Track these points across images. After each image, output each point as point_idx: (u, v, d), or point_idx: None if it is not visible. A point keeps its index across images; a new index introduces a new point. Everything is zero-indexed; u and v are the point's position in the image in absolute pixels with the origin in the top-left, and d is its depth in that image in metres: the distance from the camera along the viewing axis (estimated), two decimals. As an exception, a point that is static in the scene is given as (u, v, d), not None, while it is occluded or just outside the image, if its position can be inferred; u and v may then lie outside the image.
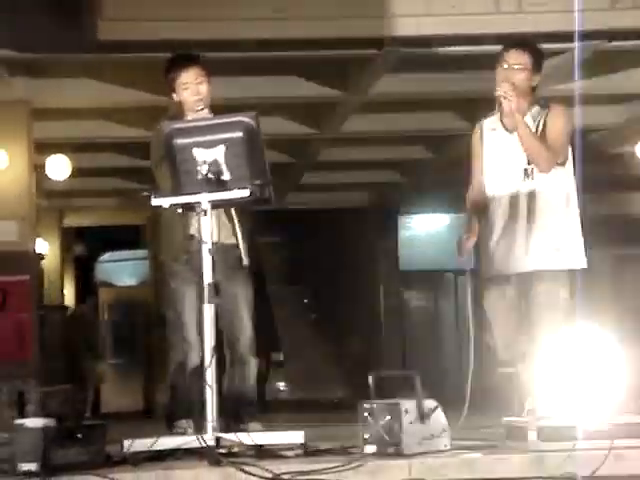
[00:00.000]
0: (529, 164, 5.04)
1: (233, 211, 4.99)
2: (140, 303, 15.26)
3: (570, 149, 5.16)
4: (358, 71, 9.09)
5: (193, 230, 4.83)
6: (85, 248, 16.21)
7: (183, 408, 4.87)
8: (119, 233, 15.32)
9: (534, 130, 5.03)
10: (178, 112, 5.08)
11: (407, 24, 7.97)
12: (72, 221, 14.78)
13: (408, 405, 4.19)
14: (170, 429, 4.87)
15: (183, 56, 5.17)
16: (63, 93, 9.26)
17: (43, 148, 10.34)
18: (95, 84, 9.22)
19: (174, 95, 5.08)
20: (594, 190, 12.89)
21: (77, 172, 11.13)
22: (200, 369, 4.54)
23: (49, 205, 13.01)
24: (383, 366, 13.60)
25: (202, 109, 4.94)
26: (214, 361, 4.20)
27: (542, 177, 5.02)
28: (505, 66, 5.04)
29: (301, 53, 8.36)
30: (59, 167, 10.88)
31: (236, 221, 5.01)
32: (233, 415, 4.93)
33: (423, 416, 4.20)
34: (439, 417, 4.29)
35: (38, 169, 10.48)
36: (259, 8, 7.86)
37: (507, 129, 5.12)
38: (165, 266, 5.04)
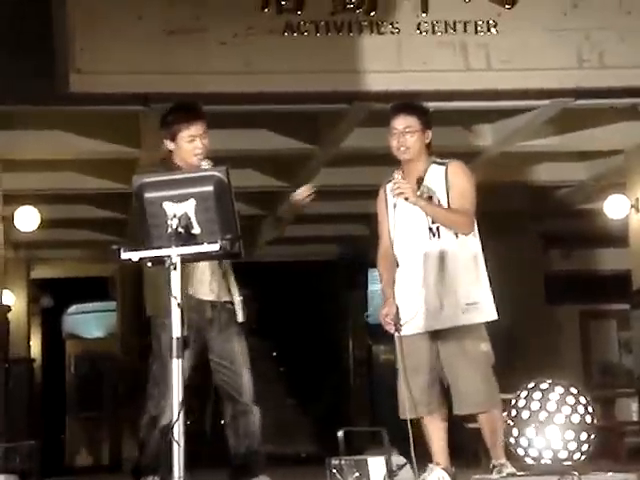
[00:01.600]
0: (434, 222, 5.09)
1: (228, 267, 5.00)
2: (107, 355, 15.13)
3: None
4: (329, 125, 9.15)
5: (190, 290, 4.93)
6: (52, 300, 16.09)
7: (152, 463, 4.82)
8: (87, 285, 15.23)
9: (440, 191, 5.10)
10: (169, 162, 5.09)
11: (378, 79, 8.04)
12: (40, 272, 14.68)
13: (376, 462, 4.17)
14: None
15: (189, 108, 5.21)
16: (32, 144, 9.25)
17: (11, 199, 10.30)
18: (65, 135, 9.21)
19: (169, 143, 5.12)
20: (560, 246, 13.05)
21: (46, 223, 11.08)
22: (169, 426, 4.55)
23: (16, 256, 12.92)
24: (352, 420, 13.53)
25: (206, 164, 4.97)
26: (182, 416, 4.16)
27: (448, 235, 5.08)
28: (395, 132, 5.19)
29: (271, 107, 8.41)
30: (28, 218, 10.83)
31: (231, 277, 5.03)
32: (242, 468, 4.92)
33: (391, 473, 4.18)
34: (407, 474, 4.27)
35: (6, 220, 10.42)
36: (229, 62, 7.91)
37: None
38: (156, 320, 5.00)
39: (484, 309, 5.04)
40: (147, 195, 4.26)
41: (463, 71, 7.97)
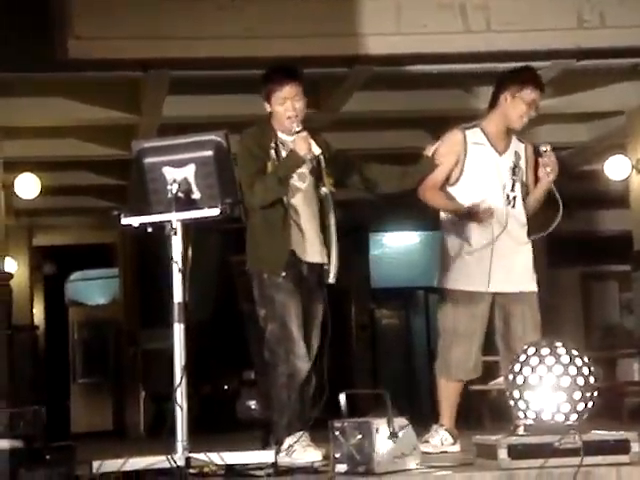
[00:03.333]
0: (512, 190, 5.11)
1: (333, 228, 5.03)
2: (111, 322, 15.18)
3: None
4: (329, 89, 9.12)
5: (300, 252, 4.96)
6: (55, 267, 16.12)
7: (300, 419, 4.84)
8: (89, 252, 15.25)
9: (523, 167, 5.18)
10: (267, 124, 5.06)
11: (378, 42, 8.00)
12: (41, 240, 14.69)
13: (379, 424, 4.20)
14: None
15: (282, 69, 5.12)
16: (32, 111, 9.23)
17: (12, 167, 10.29)
18: (65, 102, 9.19)
19: (267, 106, 5.07)
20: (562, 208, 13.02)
21: (46, 190, 11.08)
22: (309, 378, 4.77)
23: (18, 224, 12.93)
24: (354, 384, 13.58)
25: (300, 128, 4.90)
26: (184, 380, 4.18)
27: (520, 206, 5.16)
28: (529, 101, 5.14)
29: (271, 71, 8.37)
30: (28, 186, 10.82)
31: (332, 238, 5.06)
32: (269, 429, 4.98)
33: (394, 435, 4.20)
34: (410, 435, 4.30)
35: (7, 188, 10.42)
36: (229, 26, 7.87)
37: (497, 150, 5.18)
38: (268, 279, 4.96)
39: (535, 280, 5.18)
40: (147, 160, 4.26)
41: (463, 33, 7.93)
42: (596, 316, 13.76)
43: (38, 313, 15.22)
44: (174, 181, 4.20)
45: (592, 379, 4.37)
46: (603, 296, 13.92)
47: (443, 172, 5.21)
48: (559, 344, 4.40)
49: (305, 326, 5.02)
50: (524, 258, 5.15)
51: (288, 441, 4.80)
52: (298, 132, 4.89)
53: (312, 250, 5.05)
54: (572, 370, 4.34)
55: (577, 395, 4.33)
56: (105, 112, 9.32)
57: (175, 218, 4.22)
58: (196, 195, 4.22)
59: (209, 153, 4.21)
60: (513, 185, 5.15)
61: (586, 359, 4.39)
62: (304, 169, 5.01)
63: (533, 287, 5.14)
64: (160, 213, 4.24)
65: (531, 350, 4.40)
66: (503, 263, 5.06)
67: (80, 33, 7.73)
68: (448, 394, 5.17)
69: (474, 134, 5.22)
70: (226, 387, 13.04)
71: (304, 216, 5.00)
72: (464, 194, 5.16)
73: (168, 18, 7.82)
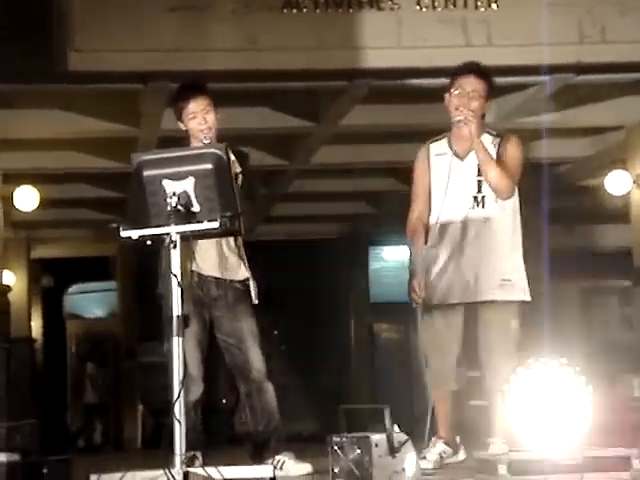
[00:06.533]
0: (479, 192, 5.00)
1: (240, 244, 4.97)
2: (109, 335, 15.14)
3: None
4: (329, 102, 9.11)
5: (194, 266, 4.93)
6: (53, 280, 16.08)
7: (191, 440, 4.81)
8: (87, 265, 15.22)
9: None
10: (186, 142, 5.07)
11: (378, 56, 8.00)
12: (40, 252, 14.66)
13: (378, 439, 4.17)
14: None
15: (190, 85, 5.18)
16: (31, 124, 9.22)
17: (11, 179, 10.27)
18: (64, 114, 9.18)
19: (181, 125, 5.09)
20: (562, 222, 13.01)
21: (45, 203, 11.06)
22: (200, 401, 4.71)
23: (16, 236, 12.91)
24: (353, 398, 13.55)
25: (210, 140, 4.93)
26: (182, 394, 4.16)
27: (492, 206, 4.98)
28: (457, 91, 4.99)
29: (272, 84, 8.37)
30: (27, 198, 10.81)
31: (244, 257, 5.00)
32: (262, 446, 4.96)
33: (393, 450, 4.17)
34: (409, 451, 4.26)
35: (5, 200, 10.40)
36: (228, 39, 7.87)
37: (458, 155, 5.07)
38: (166, 300, 4.96)
39: (518, 287, 5.00)
40: (146, 173, 4.24)
41: (463, 47, 7.92)
42: (596, 331, 13.73)
43: (36, 326, 15.18)
44: (174, 194, 4.18)
45: (590, 395, 4.34)
46: (603, 311, 13.90)
47: (419, 195, 5.16)
48: (558, 360, 4.37)
49: (236, 343, 4.98)
50: (496, 263, 4.97)
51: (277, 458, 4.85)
52: (207, 144, 4.88)
53: (215, 265, 5.00)
54: (570, 386, 4.32)
55: (576, 411, 4.30)
56: (104, 124, 9.31)
57: (174, 231, 4.20)
58: (195, 208, 4.20)
59: (209, 166, 4.19)
60: (480, 186, 5.02)
61: (584, 375, 4.36)
62: None
63: (502, 295, 4.96)
64: (159, 226, 4.22)
65: (528, 366, 4.38)
66: (470, 272, 4.98)
67: (80, 45, 7.73)
68: (437, 405, 5.15)
69: (439, 145, 5.15)
70: (224, 401, 13.00)
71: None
72: (433, 208, 5.10)
73: (168, 30, 7.81)
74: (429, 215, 5.10)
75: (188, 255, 4.88)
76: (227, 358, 5.08)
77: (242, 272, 5.08)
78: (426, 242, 5.05)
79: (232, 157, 4.97)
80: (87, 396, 14.57)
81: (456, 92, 5.01)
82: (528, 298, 5.05)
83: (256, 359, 5.05)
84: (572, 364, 4.40)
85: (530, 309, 5.12)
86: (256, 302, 5.09)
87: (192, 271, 4.95)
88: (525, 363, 4.46)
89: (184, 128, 5.11)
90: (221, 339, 5.08)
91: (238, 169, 5.00)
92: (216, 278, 5.02)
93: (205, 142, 4.95)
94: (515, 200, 5.07)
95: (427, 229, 5.08)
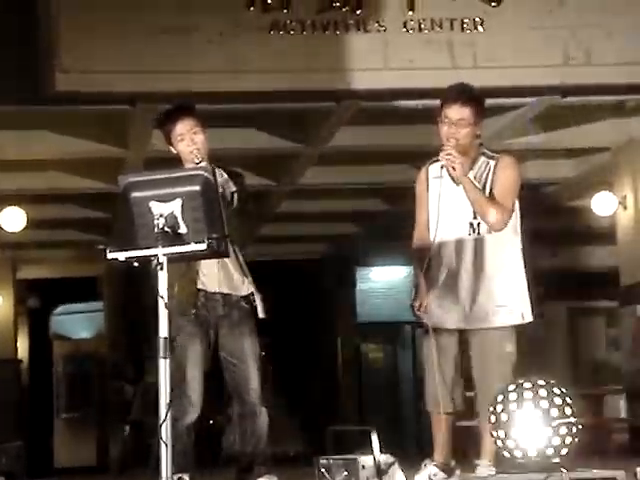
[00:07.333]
0: (475, 218, 4.97)
1: (242, 260, 4.97)
2: (95, 356, 15.09)
3: (517, 201, 5.11)
4: (316, 124, 9.13)
5: (200, 284, 4.91)
6: (39, 300, 16.04)
7: (181, 462, 4.78)
8: (73, 285, 15.18)
9: (482, 185, 4.95)
10: (176, 164, 5.05)
11: (364, 78, 8.04)
12: (26, 273, 14.62)
13: (365, 461, 4.16)
14: None
15: (176, 108, 5.15)
16: (18, 144, 9.21)
17: (-3, 199, 10.26)
18: (51, 135, 9.18)
19: (171, 148, 5.08)
20: (548, 243, 13.05)
21: (32, 223, 11.04)
22: (197, 427, 4.63)
23: (2, 257, 12.88)
24: (340, 419, 13.52)
25: (200, 160, 4.91)
26: (169, 416, 4.14)
27: (488, 232, 4.93)
28: (445, 120, 4.93)
29: (259, 106, 8.39)
30: (13, 219, 10.79)
31: (246, 270, 4.99)
32: (246, 468, 4.94)
33: (380, 472, 4.16)
34: (396, 472, 4.26)
35: (-9, 220, 10.39)
36: (216, 60, 7.89)
37: (454, 180, 5.05)
38: (173, 321, 4.93)
39: (515, 311, 4.95)
40: (133, 195, 4.23)
41: (450, 69, 7.97)
42: (583, 352, 13.75)
43: (22, 347, 15.12)
44: (161, 215, 4.17)
45: (575, 417, 4.34)
46: (590, 332, 13.92)
47: (419, 215, 5.13)
48: (543, 382, 4.37)
49: (237, 363, 4.97)
50: (492, 289, 4.93)
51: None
52: (198, 164, 4.87)
53: (220, 281, 4.99)
54: (555, 408, 4.31)
55: (562, 433, 4.30)
56: (92, 145, 9.31)
57: (162, 253, 4.19)
58: (183, 230, 4.20)
59: (196, 188, 4.19)
60: (475, 212, 5.00)
61: (569, 396, 4.36)
62: None
63: (497, 322, 4.92)
64: (146, 248, 4.21)
65: (514, 388, 4.37)
66: (466, 297, 4.96)
67: (67, 66, 7.73)
68: (434, 427, 5.13)
69: (436, 168, 5.12)
70: (211, 422, 12.96)
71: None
72: (431, 230, 5.06)
73: (156, 52, 7.83)
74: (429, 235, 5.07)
75: (192, 275, 4.87)
76: (226, 376, 5.05)
77: (246, 287, 5.04)
78: (429, 263, 5.03)
79: (225, 176, 5.00)
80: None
81: (445, 121, 4.99)
82: (527, 320, 5.02)
83: (254, 381, 5.02)
84: (558, 385, 4.41)
85: (516, 329, 5.11)
86: (262, 316, 5.05)
87: (199, 290, 4.93)
88: (512, 384, 4.45)
89: (174, 151, 5.09)
90: (223, 357, 5.04)
91: (233, 188, 4.99)
92: (222, 295, 5.00)
93: (196, 160, 4.94)
94: (515, 219, 5.04)
95: (429, 249, 5.05)
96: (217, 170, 4.99)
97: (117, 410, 13.96)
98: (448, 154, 4.88)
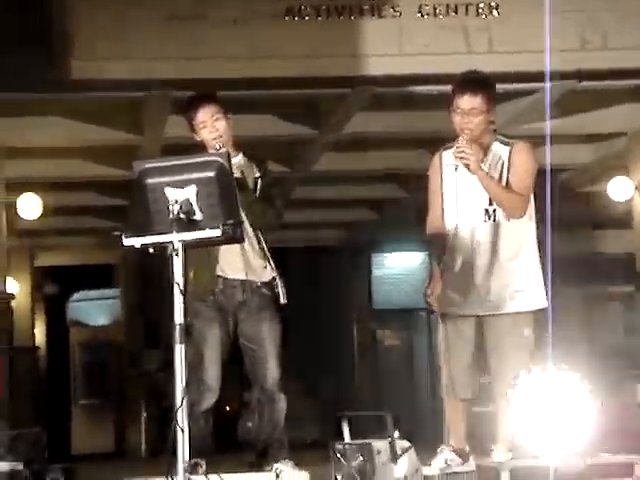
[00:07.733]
0: (490, 204, 4.97)
1: (264, 245, 4.98)
2: (112, 343, 15.14)
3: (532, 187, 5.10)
4: (330, 110, 9.13)
5: (219, 270, 4.91)
6: (56, 287, 16.10)
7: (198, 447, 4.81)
8: (90, 272, 15.24)
9: (498, 172, 4.95)
10: (193, 150, 5.05)
11: (379, 63, 8.02)
12: (43, 260, 14.69)
13: (381, 446, 4.17)
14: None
15: (197, 95, 5.16)
16: (34, 132, 9.24)
17: (14, 187, 10.29)
18: (67, 122, 9.20)
19: (195, 136, 5.08)
20: (563, 228, 13.01)
21: (48, 211, 11.08)
22: (213, 412, 4.65)
23: (20, 244, 12.93)
24: (356, 405, 13.54)
25: (222, 146, 4.91)
26: (185, 402, 4.15)
27: (504, 218, 4.93)
28: (458, 110, 4.93)
29: (274, 92, 8.39)
30: (30, 206, 10.82)
31: (268, 255, 4.99)
32: (262, 453, 4.96)
33: (396, 457, 4.17)
34: (412, 458, 4.27)
35: (9, 208, 10.42)
36: (230, 47, 7.89)
37: (468, 168, 5.04)
38: (189, 306, 4.95)
39: (531, 297, 4.96)
40: (148, 181, 4.24)
41: (465, 54, 7.94)
42: (599, 337, 13.71)
43: (39, 334, 15.20)
44: (176, 202, 4.18)
45: (592, 402, 4.34)
46: (606, 317, 13.88)
47: (433, 202, 5.11)
48: (562, 366, 4.37)
49: (257, 349, 4.97)
50: (507, 275, 4.94)
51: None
52: (218, 150, 4.87)
53: (239, 267, 4.98)
54: (571, 394, 4.31)
55: (578, 418, 4.30)
56: (108, 132, 9.33)
57: (177, 239, 4.20)
58: (198, 216, 4.20)
59: (211, 174, 4.19)
60: (491, 199, 4.95)
61: (587, 381, 4.36)
62: None
63: (514, 307, 4.92)
64: (162, 234, 4.22)
65: (530, 374, 4.37)
66: (482, 284, 4.96)
67: (82, 54, 7.75)
68: (449, 413, 5.13)
69: (449, 155, 5.10)
70: (227, 408, 13.01)
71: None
72: (446, 217, 5.05)
73: (170, 39, 7.84)
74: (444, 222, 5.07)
75: (211, 262, 4.88)
76: (246, 362, 5.05)
77: (268, 273, 5.04)
78: (444, 248, 5.03)
79: (246, 161, 4.98)
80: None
81: (457, 110, 4.98)
82: (543, 305, 5.03)
83: (273, 367, 5.02)
84: (575, 370, 4.40)
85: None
86: (284, 302, 5.04)
87: (218, 276, 4.93)
88: (529, 369, 4.45)
89: (199, 139, 5.08)
90: (242, 343, 5.04)
91: (257, 174, 4.99)
92: (241, 281, 5.00)
93: (216, 146, 4.93)
94: (530, 207, 5.05)
95: (444, 236, 5.05)
96: (240, 156, 5.01)
97: (134, 397, 14.01)
98: (461, 151, 4.87)
